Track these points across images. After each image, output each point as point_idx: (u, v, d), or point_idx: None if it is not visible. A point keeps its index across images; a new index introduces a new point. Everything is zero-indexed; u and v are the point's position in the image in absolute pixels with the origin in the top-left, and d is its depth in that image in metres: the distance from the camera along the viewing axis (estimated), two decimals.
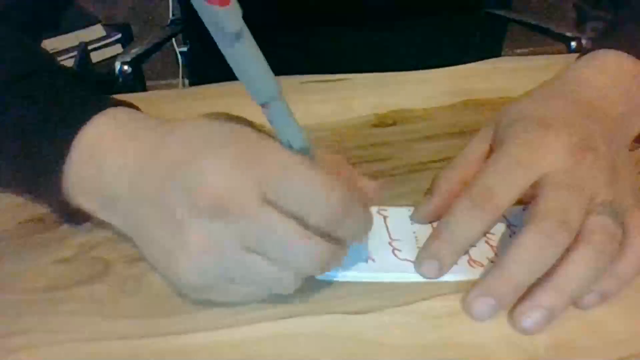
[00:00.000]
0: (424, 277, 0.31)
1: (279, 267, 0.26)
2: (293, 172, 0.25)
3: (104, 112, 0.31)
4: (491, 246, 0.32)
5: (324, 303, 0.29)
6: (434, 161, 0.40)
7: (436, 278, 0.31)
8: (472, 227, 0.30)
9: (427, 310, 0.29)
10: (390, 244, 0.33)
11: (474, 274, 0.31)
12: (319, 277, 0.30)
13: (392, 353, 0.27)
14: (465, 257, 0.32)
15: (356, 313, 0.29)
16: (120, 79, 0.76)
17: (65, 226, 0.35)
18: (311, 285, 0.30)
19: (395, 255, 0.32)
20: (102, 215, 0.31)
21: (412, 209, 0.35)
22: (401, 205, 0.36)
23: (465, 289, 0.30)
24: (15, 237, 0.34)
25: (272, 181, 0.25)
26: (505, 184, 0.30)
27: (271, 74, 0.24)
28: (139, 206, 0.28)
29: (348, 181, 0.28)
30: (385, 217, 0.35)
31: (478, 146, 0.35)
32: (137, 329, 0.28)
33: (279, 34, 0.60)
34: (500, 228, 0.34)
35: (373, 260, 0.32)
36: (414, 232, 0.34)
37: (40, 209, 0.36)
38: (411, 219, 0.35)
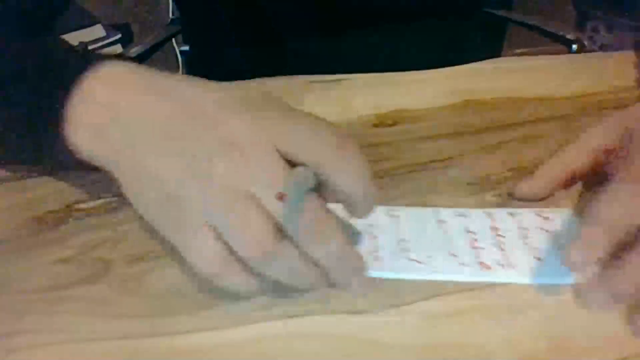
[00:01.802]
0: (572, 266, 0.29)
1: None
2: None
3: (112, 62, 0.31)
4: (502, 249, 0.32)
5: (324, 303, 0.29)
6: (434, 161, 0.40)
7: (584, 268, 0.29)
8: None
9: (427, 310, 0.29)
10: (399, 244, 0.33)
11: (484, 276, 0.31)
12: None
13: (392, 353, 0.27)
14: (476, 260, 0.32)
15: (356, 313, 0.29)
16: None
17: (65, 226, 0.35)
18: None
19: (404, 255, 0.32)
20: (90, 146, 0.30)
21: (422, 209, 0.35)
22: (411, 206, 0.36)
23: (466, 289, 0.30)
24: (15, 237, 0.34)
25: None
26: None
27: None
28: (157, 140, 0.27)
29: None
30: (395, 217, 0.35)
31: (597, 141, 0.34)
32: (137, 329, 0.28)
33: (282, 38, 0.60)
34: (511, 231, 0.33)
35: (382, 259, 0.32)
36: (424, 234, 0.33)
37: (40, 209, 0.36)
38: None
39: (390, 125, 0.45)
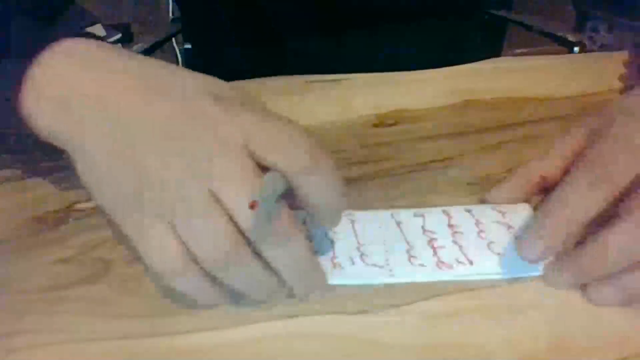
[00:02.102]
0: (527, 258, 0.29)
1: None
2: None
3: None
4: (460, 247, 0.32)
5: (324, 303, 0.29)
6: (434, 161, 0.40)
7: (540, 259, 0.29)
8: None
9: (427, 310, 0.29)
10: (358, 249, 0.32)
11: (443, 275, 0.31)
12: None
13: (392, 353, 0.27)
14: (434, 259, 0.31)
15: (356, 313, 0.29)
16: None
17: (65, 226, 0.35)
18: None
19: (363, 260, 0.32)
20: (51, 121, 0.28)
21: (379, 212, 0.35)
22: (371, 209, 0.35)
23: (466, 289, 0.30)
24: (15, 237, 0.34)
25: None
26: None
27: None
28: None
29: None
30: (353, 222, 0.34)
31: (565, 145, 0.34)
32: (137, 329, 0.28)
33: (282, 38, 0.60)
34: (469, 228, 0.33)
35: (341, 266, 0.31)
36: (382, 237, 0.33)
37: (40, 209, 0.36)
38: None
39: (390, 125, 0.45)
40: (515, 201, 0.35)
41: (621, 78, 0.49)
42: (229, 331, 0.28)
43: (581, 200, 0.29)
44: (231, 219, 0.25)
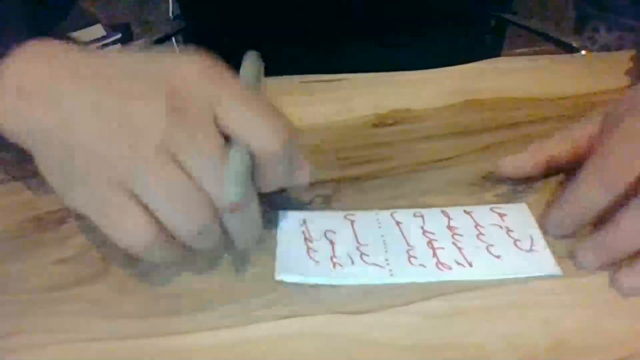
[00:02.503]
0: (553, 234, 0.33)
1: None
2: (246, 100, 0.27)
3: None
4: (459, 248, 0.32)
5: (324, 303, 0.29)
6: (434, 161, 0.40)
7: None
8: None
9: (427, 310, 0.29)
10: (358, 248, 0.32)
11: (442, 276, 0.31)
12: (284, 277, 0.30)
13: (392, 353, 0.27)
14: (434, 260, 0.32)
15: (356, 313, 0.29)
16: None
17: (65, 226, 0.35)
18: (311, 285, 0.30)
19: (363, 260, 0.32)
20: (11, 115, 0.28)
21: (379, 212, 0.35)
22: (370, 210, 0.35)
23: (466, 289, 0.30)
24: (15, 237, 0.34)
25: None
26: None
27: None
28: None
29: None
30: (352, 222, 0.34)
31: (577, 129, 0.36)
32: (137, 329, 0.28)
33: (283, 41, 0.60)
34: (468, 229, 0.34)
35: (340, 265, 0.31)
36: (382, 237, 0.33)
37: (41, 209, 0.36)
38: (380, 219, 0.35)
39: (390, 125, 0.45)
40: (522, 174, 0.37)
41: (628, 72, 0.49)
42: (228, 331, 0.28)
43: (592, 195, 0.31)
44: (199, 189, 0.25)
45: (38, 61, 0.28)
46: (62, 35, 0.31)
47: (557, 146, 0.36)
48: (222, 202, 0.26)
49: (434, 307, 0.29)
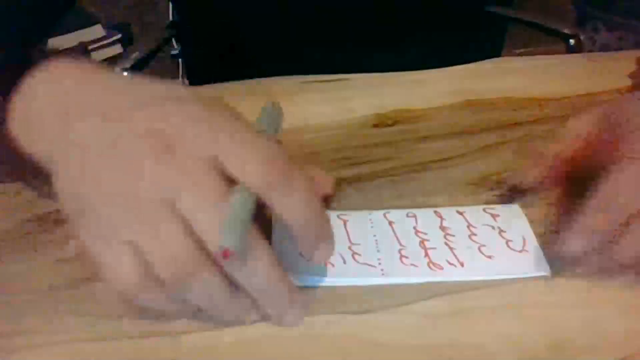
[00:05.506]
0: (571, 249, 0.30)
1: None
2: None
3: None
4: (451, 248, 0.32)
5: (324, 303, 0.29)
6: (434, 161, 0.40)
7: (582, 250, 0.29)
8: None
9: (427, 310, 0.29)
10: (350, 248, 0.32)
11: (434, 276, 0.31)
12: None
13: (392, 353, 0.27)
14: (425, 260, 0.32)
15: (356, 313, 0.29)
16: None
17: (65, 226, 0.35)
18: (310, 286, 0.30)
19: (354, 259, 0.32)
20: (30, 136, 0.28)
21: (372, 212, 0.35)
22: (368, 210, 0.35)
23: (466, 289, 0.30)
24: (15, 237, 0.34)
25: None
26: None
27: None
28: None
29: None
30: (345, 222, 0.34)
31: (578, 127, 0.36)
32: (137, 329, 0.28)
33: (283, 41, 0.60)
34: (460, 229, 0.34)
35: (332, 265, 0.31)
36: (374, 237, 0.33)
37: (40, 209, 0.36)
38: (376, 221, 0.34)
39: (390, 125, 0.45)
40: (545, 183, 0.36)
41: (632, 75, 0.49)
42: (228, 331, 0.28)
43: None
44: (191, 234, 0.24)
45: (55, 87, 0.28)
46: (78, 51, 0.31)
47: (561, 149, 0.35)
48: (215, 248, 0.24)
49: (434, 307, 0.29)
